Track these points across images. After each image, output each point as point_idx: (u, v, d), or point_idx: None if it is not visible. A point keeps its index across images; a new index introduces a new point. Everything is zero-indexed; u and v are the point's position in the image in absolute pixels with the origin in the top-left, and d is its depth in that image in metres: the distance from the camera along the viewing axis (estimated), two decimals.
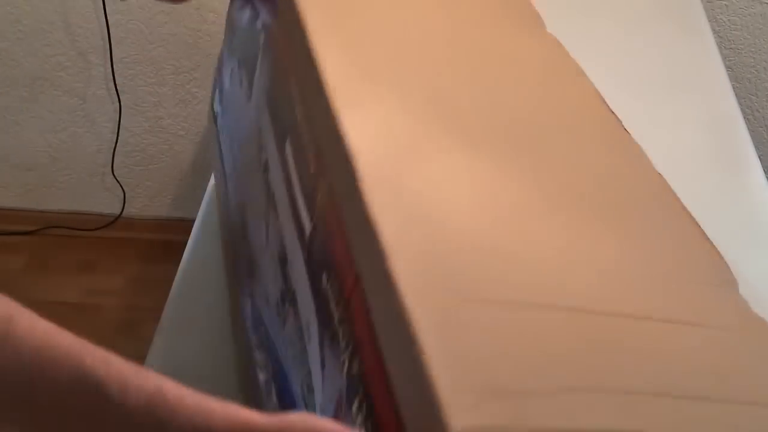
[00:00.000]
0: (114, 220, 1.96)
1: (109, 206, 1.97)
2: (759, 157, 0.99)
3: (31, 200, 1.97)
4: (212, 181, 1.03)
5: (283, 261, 0.66)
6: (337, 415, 0.53)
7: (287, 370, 0.65)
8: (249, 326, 0.78)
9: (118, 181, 1.91)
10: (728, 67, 1.37)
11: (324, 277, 0.57)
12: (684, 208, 0.64)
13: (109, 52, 1.70)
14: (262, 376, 0.73)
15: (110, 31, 1.67)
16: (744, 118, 1.05)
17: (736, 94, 1.08)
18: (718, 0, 1.50)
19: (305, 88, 0.64)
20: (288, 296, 0.65)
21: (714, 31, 1.31)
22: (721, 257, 0.61)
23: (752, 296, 0.80)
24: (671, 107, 1.02)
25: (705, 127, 1.01)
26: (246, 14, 0.81)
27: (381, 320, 0.50)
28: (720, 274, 0.60)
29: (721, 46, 1.44)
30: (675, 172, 0.91)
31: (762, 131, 1.64)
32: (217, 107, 0.93)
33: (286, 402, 0.65)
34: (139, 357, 0.92)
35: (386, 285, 0.49)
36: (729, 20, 1.53)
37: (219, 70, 0.94)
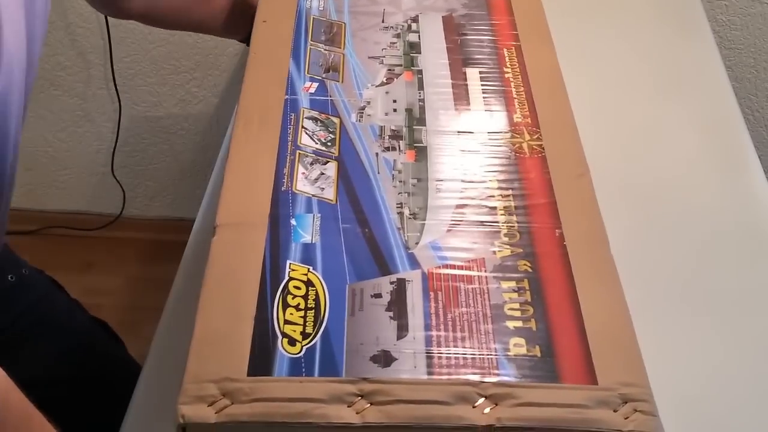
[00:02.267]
0: (114, 220, 1.98)
1: (109, 206, 1.98)
2: (759, 157, 0.98)
3: (31, 200, 1.98)
4: (212, 180, 1.03)
5: None
6: None
7: None
8: None
9: (118, 181, 1.92)
10: (728, 67, 1.37)
11: None
12: None
13: (109, 51, 1.71)
14: None
15: (110, 31, 1.68)
16: (744, 118, 1.05)
17: (735, 94, 1.08)
18: (718, 0, 1.50)
19: None
20: None
21: (714, 31, 1.29)
22: None
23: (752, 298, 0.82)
24: (671, 107, 1.02)
25: (705, 127, 1.01)
26: None
27: None
28: None
29: (721, 45, 1.43)
30: (675, 172, 0.94)
31: (762, 131, 1.63)
32: None
33: None
34: (139, 357, 0.93)
35: None
36: (729, 20, 1.53)
37: None
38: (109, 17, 1.64)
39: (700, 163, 0.96)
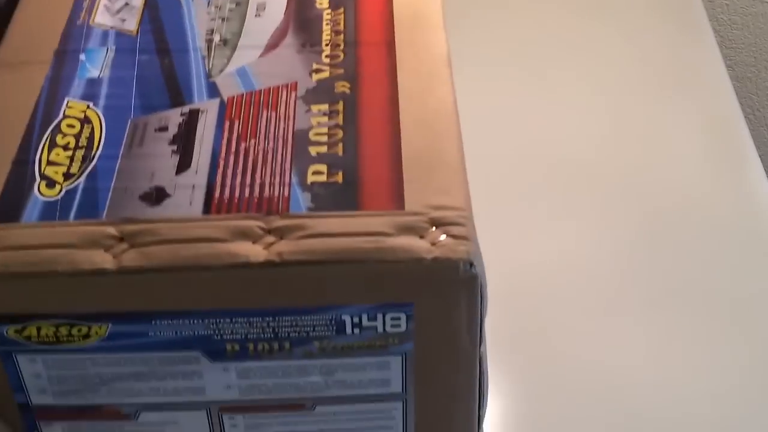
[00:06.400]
0: None
1: None
2: (760, 157, 0.96)
3: None
4: None
5: None
6: None
7: None
8: None
9: None
10: (729, 67, 1.34)
11: None
12: None
13: None
14: None
15: None
16: (744, 117, 1.02)
17: (736, 94, 1.05)
18: None
19: None
20: None
21: (714, 30, 1.26)
22: None
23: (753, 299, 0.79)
24: (671, 106, 0.99)
25: (705, 127, 0.98)
26: None
27: None
28: None
29: (721, 45, 1.39)
30: (675, 171, 0.92)
31: (763, 131, 1.60)
32: None
33: None
34: None
35: None
36: (729, 19, 1.49)
37: None
38: None
39: (701, 162, 0.94)
